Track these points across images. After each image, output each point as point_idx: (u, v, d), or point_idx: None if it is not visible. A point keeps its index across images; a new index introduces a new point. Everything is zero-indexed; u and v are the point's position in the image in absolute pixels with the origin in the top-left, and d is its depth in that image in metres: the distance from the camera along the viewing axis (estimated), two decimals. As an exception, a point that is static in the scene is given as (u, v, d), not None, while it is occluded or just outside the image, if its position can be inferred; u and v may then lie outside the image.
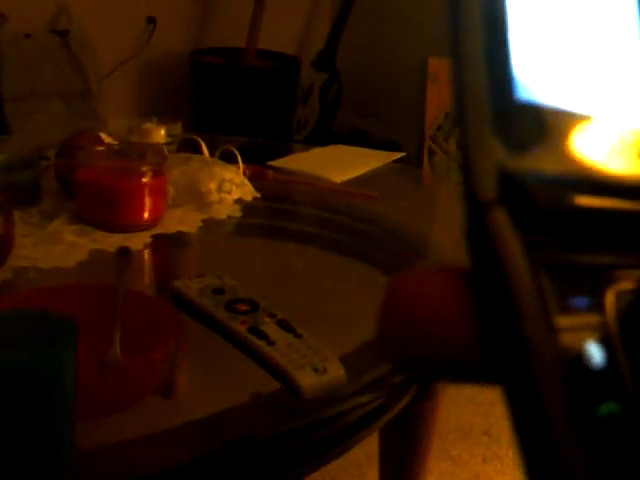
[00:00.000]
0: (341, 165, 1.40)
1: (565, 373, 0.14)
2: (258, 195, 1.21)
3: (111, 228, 1.04)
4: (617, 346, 0.14)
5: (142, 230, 1.05)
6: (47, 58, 2.47)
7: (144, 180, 1.05)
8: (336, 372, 0.77)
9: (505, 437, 1.57)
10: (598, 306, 0.14)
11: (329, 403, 0.79)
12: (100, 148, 1.11)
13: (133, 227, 1.05)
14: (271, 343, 0.79)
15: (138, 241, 1.03)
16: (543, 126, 0.15)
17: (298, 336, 0.80)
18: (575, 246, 0.14)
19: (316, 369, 0.77)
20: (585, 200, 0.15)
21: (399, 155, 1.50)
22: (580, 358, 0.14)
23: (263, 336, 0.79)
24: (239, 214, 1.16)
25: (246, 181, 1.21)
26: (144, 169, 1.05)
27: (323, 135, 2.68)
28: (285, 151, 1.51)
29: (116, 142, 1.17)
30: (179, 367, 1.03)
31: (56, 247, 0.99)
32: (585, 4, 0.16)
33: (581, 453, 0.13)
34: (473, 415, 1.65)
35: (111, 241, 1.02)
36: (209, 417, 0.78)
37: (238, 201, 1.18)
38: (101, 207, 1.05)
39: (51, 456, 0.65)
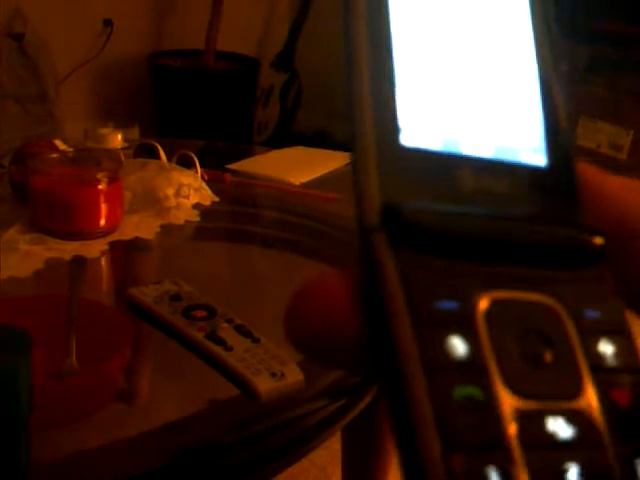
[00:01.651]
0: (300, 167, 1.40)
1: (426, 362, 0.16)
2: (217, 199, 1.21)
3: (67, 236, 1.03)
4: (483, 340, 0.16)
5: (99, 237, 1.04)
6: (2, 62, 2.44)
7: (100, 187, 1.04)
8: (294, 376, 0.78)
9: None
10: (464, 308, 0.17)
11: (287, 407, 0.79)
12: (54, 155, 1.10)
13: (89, 234, 1.04)
14: (228, 349, 0.79)
15: (94, 248, 1.02)
16: (420, 166, 0.18)
17: (256, 341, 0.80)
18: (443, 262, 0.17)
19: (274, 374, 0.77)
20: (449, 223, 0.18)
21: (358, 156, 1.51)
22: (442, 350, 0.16)
23: (220, 342, 0.79)
24: (197, 219, 1.15)
25: (204, 185, 1.21)
26: (99, 176, 1.04)
27: (284, 136, 2.68)
28: (245, 154, 1.52)
29: (71, 149, 1.16)
30: (137, 375, 1.02)
31: (11, 256, 0.98)
32: (461, 48, 0.19)
33: (435, 429, 0.16)
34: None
35: (67, 249, 1.01)
36: (168, 424, 0.78)
37: (196, 206, 1.18)
38: (56, 215, 1.04)
39: (7, 468, 0.64)
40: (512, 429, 0.16)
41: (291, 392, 0.77)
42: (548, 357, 0.17)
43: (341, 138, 2.54)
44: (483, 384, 0.16)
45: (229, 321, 0.83)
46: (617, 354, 0.17)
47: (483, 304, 0.17)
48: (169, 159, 1.25)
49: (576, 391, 0.17)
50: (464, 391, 0.16)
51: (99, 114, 2.65)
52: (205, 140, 1.57)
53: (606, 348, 0.17)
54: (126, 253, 1.10)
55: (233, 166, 1.37)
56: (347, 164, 1.48)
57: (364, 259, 0.18)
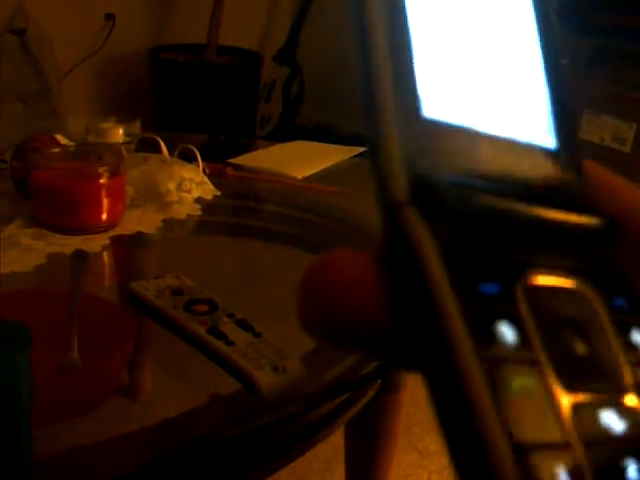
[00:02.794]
0: (302, 161, 1.40)
1: (479, 350, 0.15)
2: (218, 193, 1.21)
3: (68, 231, 1.03)
4: (530, 328, 0.15)
5: (100, 232, 1.04)
6: (4, 58, 2.44)
7: (101, 181, 1.04)
8: (296, 371, 0.77)
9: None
10: (507, 294, 0.16)
11: (289, 402, 0.79)
12: (56, 150, 1.10)
13: (91, 229, 1.04)
14: (230, 343, 0.79)
15: (96, 243, 1.02)
16: (444, 139, 0.17)
17: (257, 335, 0.80)
18: (481, 241, 0.16)
19: (275, 368, 0.77)
20: (485, 200, 0.17)
21: (360, 149, 1.50)
22: (491, 337, 0.15)
23: (222, 336, 0.79)
24: (199, 213, 1.15)
25: (206, 179, 1.20)
26: (101, 170, 1.04)
27: (287, 130, 2.68)
28: (247, 148, 1.51)
29: (72, 143, 1.16)
30: (139, 370, 1.02)
31: (12, 251, 0.98)
32: (474, 29, 0.20)
33: (499, 426, 0.14)
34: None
35: (69, 244, 1.01)
36: (170, 419, 0.78)
37: (198, 200, 1.17)
38: (57, 210, 1.03)
39: (9, 463, 0.64)
40: (571, 424, 0.15)
41: (293, 386, 0.77)
42: (587, 348, 0.16)
43: (344, 132, 2.54)
44: (538, 376, 0.15)
45: (230, 316, 0.83)
46: None
47: (525, 288, 0.16)
48: (171, 153, 1.25)
49: (621, 383, 0.16)
50: (522, 382, 0.15)
51: (101, 109, 2.65)
52: (207, 134, 1.57)
53: (638, 338, 0.17)
54: (128, 248, 1.10)
55: (235, 160, 1.37)
56: (350, 158, 1.48)
57: (391, 235, 0.16)
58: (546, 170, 0.19)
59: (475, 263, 0.16)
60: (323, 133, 2.60)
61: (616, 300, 0.17)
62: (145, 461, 0.75)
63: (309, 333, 0.17)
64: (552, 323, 0.16)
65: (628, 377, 0.17)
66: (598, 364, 0.16)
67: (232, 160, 1.36)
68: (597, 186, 0.20)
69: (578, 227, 0.18)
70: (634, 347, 0.17)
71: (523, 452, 0.14)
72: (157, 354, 0.89)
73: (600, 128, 2.70)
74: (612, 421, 0.16)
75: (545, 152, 0.20)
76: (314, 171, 1.36)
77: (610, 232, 0.19)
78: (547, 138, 0.20)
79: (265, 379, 0.75)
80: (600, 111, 2.65)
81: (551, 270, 0.17)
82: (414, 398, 1.68)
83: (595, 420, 0.16)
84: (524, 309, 0.16)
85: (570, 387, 0.16)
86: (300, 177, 1.32)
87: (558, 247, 0.18)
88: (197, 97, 2.61)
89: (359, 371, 0.97)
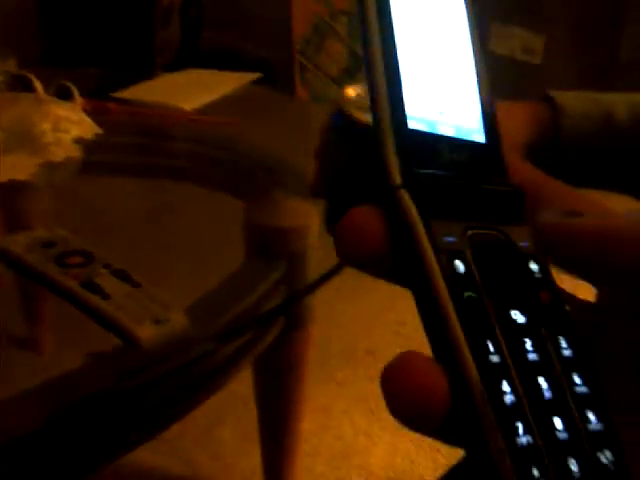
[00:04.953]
0: (193, 91, 1.32)
1: (444, 275, 0.23)
2: (100, 131, 1.13)
3: None
4: (471, 263, 0.24)
5: (-32, 182, 0.96)
6: None
7: (-37, 127, 0.95)
8: (179, 322, 0.72)
9: (389, 354, 1.57)
10: (460, 243, 0.25)
11: (173, 354, 0.74)
12: None
13: (-44, 180, 0.95)
14: (106, 297, 0.73)
15: (-37, 195, 0.94)
16: (426, 143, 0.26)
17: (136, 286, 0.75)
18: (445, 211, 0.25)
19: (157, 320, 0.72)
20: (455, 183, 0.26)
21: (255, 76, 1.43)
22: (452, 267, 0.24)
23: (97, 290, 0.73)
24: (79, 154, 1.07)
25: (85, 117, 1.12)
26: (-38, 114, 0.95)
27: (190, 58, 2.57)
28: (143, 80, 1.42)
29: None
30: (36, 327, 0.96)
31: None
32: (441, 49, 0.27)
33: (456, 318, 0.23)
34: (355, 336, 1.65)
35: None
36: (50, 381, 0.73)
37: (78, 140, 1.09)
38: None
39: None
40: (499, 331, 0.24)
41: (176, 338, 0.72)
42: (509, 275, 0.25)
43: (250, 55, 2.44)
44: (477, 291, 0.24)
45: (107, 266, 0.77)
46: (539, 270, 0.26)
47: (469, 238, 0.25)
48: (48, 91, 1.15)
49: (537, 294, 0.26)
50: (468, 294, 0.24)
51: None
52: (100, 68, 1.47)
53: (533, 266, 0.26)
54: (3, 196, 1.02)
55: (120, 94, 1.28)
56: (247, 84, 1.41)
57: (392, 208, 0.25)
58: (482, 161, 0.28)
59: (442, 224, 0.24)
60: (227, 58, 2.49)
61: (522, 243, 0.26)
62: (25, 426, 0.70)
63: (344, 260, 0.25)
64: (486, 259, 0.25)
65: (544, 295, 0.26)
66: (515, 278, 0.25)
67: (117, 94, 1.28)
68: (531, 194, 0.28)
69: (500, 197, 0.27)
70: (532, 272, 0.26)
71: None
72: (32, 312, 0.82)
73: (509, 40, 2.66)
74: (518, 317, 0.24)
75: (481, 146, 0.28)
76: (205, 101, 1.28)
77: (520, 200, 0.27)
78: (480, 136, 0.28)
79: (145, 332, 0.70)
80: (508, 22, 2.60)
81: (484, 227, 0.26)
82: (331, 331, 1.66)
83: (509, 319, 0.24)
84: (468, 252, 0.25)
85: (495, 300, 0.24)
86: (190, 109, 1.25)
87: (488, 211, 0.26)
88: (88, 27, 2.46)
89: (262, 308, 0.93)
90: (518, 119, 0.51)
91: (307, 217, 1.01)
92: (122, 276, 0.75)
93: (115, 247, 0.89)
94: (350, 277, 0.47)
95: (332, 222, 0.80)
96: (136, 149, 1.21)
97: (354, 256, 0.24)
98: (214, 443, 1.41)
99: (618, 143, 0.53)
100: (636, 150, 0.53)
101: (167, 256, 0.98)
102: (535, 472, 0.21)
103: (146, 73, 1.70)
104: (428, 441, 1.43)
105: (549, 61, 2.62)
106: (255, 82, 1.46)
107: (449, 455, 1.40)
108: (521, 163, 0.29)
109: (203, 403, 0.95)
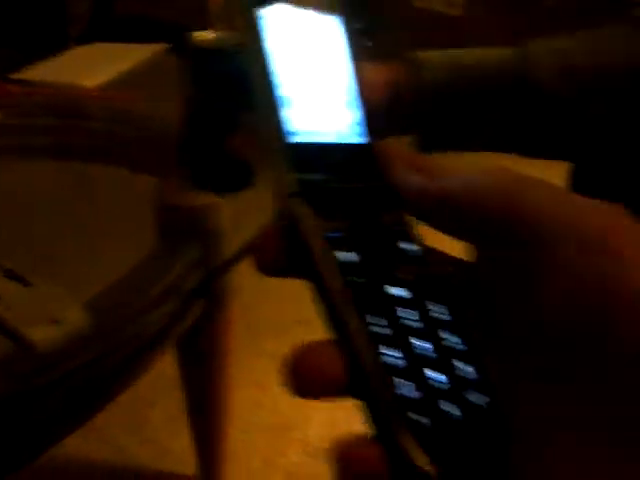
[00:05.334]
0: (97, 66, 1.27)
1: (330, 264, 0.27)
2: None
3: None
4: (354, 251, 0.28)
5: None
6: None
7: None
8: (76, 319, 0.69)
9: (319, 323, 1.55)
10: (345, 234, 0.28)
11: (73, 353, 0.71)
12: None
13: None
14: (-4, 299, 0.69)
15: None
16: (311, 153, 0.29)
17: (28, 285, 0.71)
18: (339, 209, 0.28)
19: (53, 320, 0.68)
20: (330, 191, 0.29)
21: (165, 46, 1.38)
22: (335, 257, 0.27)
23: (-15, 292, 0.69)
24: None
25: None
26: None
27: (104, 27, 2.48)
28: (52, 54, 1.36)
29: None
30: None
31: None
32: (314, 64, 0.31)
33: (342, 299, 0.26)
34: (285, 306, 1.62)
35: None
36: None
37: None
38: None
39: None
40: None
41: (74, 337, 0.69)
42: (386, 253, 0.29)
43: (167, 22, 2.37)
44: (359, 274, 0.27)
45: (-3, 266, 0.72)
46: (412, 247, 0.29)
47: (353, 228, 0.28)
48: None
49: (413, 268, 0.29)
50: (351, 278, 0.27)
51: None
52: (7, 48, 1.40)
53: (407, 245, 0.29)
54: None
55: (22, 75, 1.22)
56: (160, 55, 1.35)
57: (289, 211, 0.27)
58: (363, 160, 0.31)
59: (328, 222, 0.27)
60: (143, 25, 2.42)
61: (397, 226, 0.29)
62: None
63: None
64: (367, 245, 0.28)
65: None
66: (393, 262, 0.29)
67: (15, 75, 1.22)
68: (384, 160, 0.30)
69: (376, 190, 0.30)
70: (405, 251, 0.29)
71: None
72: None
73: (430, -8, 2.63)
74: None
75: (362, 147, 0.31)
76: (111, 77, 1.23)
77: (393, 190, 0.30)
78: (361, 138, 0.31)
79: (39, 334, 0.66)
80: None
81: (366, 219, 0.29)
82: (260, 303, 1.64)
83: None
84: (351, 242, 0.27)
85: (375, 280, 0.27)
86: (93, 85, 1.20)
87: (368, 205, 0.29)
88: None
89: (179, 290, 0.91)
90: (379, 80, 0.52)
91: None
92: (13, 276, 0.71)
93: (28, 231, 0.85)
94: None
95: (198, 171, 0.81)
96: (40, 130, 1.15)
97: (262, 264, 0.29)
98: (145, 427, 1.39)
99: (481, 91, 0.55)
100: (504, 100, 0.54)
101: (80, 240, 0.94)
102: (414, 416, 0.24)
103: (58, 47, 1.63)
104: (362, 408, 1.43)
105: (470, 13, 2.60)
106: (170, 52, 1.41)
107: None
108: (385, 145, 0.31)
109: (128, 388, 0.93)
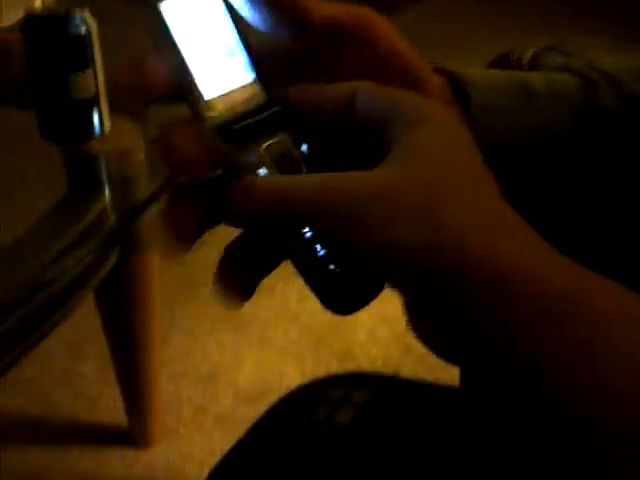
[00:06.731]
0: (9, 5, 1.21)
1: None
2: None
3: None
4: (269, 166, 0.37)
5: None
6: None
7: None
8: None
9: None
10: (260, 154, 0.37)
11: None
12: None
13: None
14: None
15: None
16: (222, 103, 0.38)
17: None
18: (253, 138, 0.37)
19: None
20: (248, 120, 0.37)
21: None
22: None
23: None
24: None
25: None
26: None
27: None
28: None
29: None
30: None
31: None
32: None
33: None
34: (218, 253, 1.59)
35: None
36: None
37: None
38: None
39: None
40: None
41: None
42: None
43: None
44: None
45: None
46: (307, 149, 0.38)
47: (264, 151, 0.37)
48: None
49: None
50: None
51: None
52: None
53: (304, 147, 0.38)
54: None
55: None
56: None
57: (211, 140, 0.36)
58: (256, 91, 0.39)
59: (246, 150, 0.36)
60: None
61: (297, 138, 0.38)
62: None
63: None
64: (278, 158, 0.37)
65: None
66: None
67: None
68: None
69: (276, 115, 0.38)
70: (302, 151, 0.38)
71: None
72: None
73: None
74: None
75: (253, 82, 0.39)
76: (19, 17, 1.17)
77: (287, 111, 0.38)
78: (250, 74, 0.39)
79: None
80: None
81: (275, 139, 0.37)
82: (195, 253, 1.61)
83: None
84: (267, 159, 0.36)
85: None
86: (5, 25, 1.14)
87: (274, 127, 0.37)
88: None
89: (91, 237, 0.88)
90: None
91: (131, 139, 0.95)
92: None
93: None
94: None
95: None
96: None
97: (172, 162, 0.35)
98: (75, 380, 1.36)
99: (540, 120, 0.42)
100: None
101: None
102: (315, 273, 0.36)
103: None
104: (294, 352, 1.42)
105: None
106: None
107: (315, 363, 1.40)
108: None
109: (47, 336, 0.90)
